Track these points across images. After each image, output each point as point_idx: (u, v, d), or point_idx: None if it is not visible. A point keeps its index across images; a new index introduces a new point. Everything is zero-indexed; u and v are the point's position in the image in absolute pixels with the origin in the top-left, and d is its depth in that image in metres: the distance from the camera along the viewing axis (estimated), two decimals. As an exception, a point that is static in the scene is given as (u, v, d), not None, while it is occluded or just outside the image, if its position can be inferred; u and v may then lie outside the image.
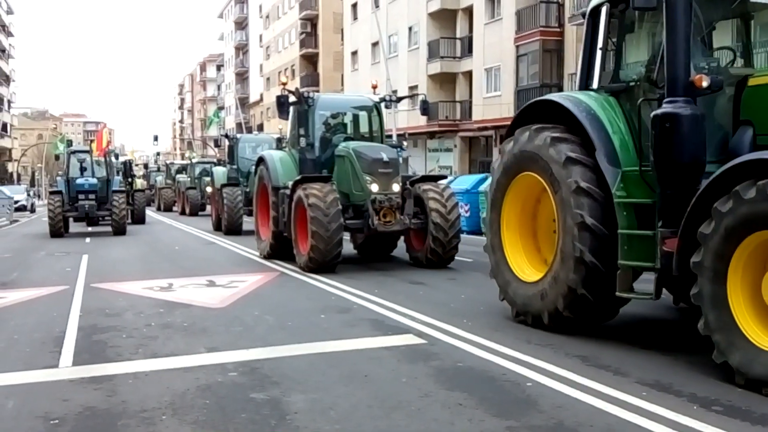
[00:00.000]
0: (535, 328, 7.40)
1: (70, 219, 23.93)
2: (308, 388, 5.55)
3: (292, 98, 13.60)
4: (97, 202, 22.97)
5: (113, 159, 27.40)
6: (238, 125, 68.53)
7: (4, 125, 66.59)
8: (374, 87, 15.33)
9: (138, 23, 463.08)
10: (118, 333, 7.72)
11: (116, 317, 8.65)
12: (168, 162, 53.11)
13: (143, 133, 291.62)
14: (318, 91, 19.95)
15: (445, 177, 14.34)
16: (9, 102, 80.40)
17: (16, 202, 39.05)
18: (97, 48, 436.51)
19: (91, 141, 24.99)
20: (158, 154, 68.55)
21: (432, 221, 12.38)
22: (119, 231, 22.37)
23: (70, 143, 33.62)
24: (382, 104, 14.17)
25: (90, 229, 25.51)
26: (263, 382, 5.74)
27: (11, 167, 69.63)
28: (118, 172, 26.84)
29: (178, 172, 41.41)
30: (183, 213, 34.86)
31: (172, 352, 6.84)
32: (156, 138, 70.92)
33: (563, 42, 28.73)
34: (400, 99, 14.99)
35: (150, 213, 37.01)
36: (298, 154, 13.49)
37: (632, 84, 7.04)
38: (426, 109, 15.05)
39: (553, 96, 7.55)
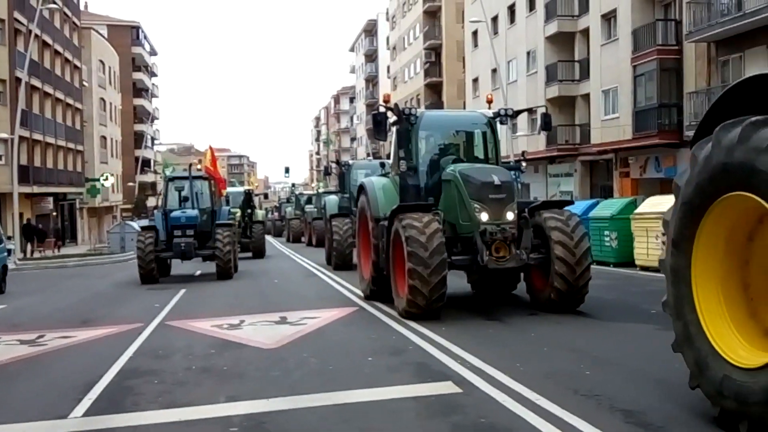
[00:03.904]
0: None
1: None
2: (301, 451, 4.90)
3: (392, 116, 11.86)
4: (197, 238, 18.60)
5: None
6: (368, 155, 69.64)
7: (146, 161, 70.70)
8: (489, 101, 13.18)
9: (278, 58, 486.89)
10: (151, 378, 7.42)
11: (163, 359, 8.40)
12: (297, 193, 53.84)
13: (282, 165, 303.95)
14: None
15: (571, 202, 12.00)
16: (152, 139, 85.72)
17: (146, 235, 40.88)
18: (240, 85, 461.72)
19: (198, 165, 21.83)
20: (293, 185, 70.34)
21: (555, 255, 10.31)
22: (224, 274, 18.38)
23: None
24: (497, 120, 12.19)
25: (207, 262, 21.53)
26: (257, 442, 5.15)
27: (153, 201, 73.94)
28: (227, 201, 24.79)
29: (307, 202, 40.56)
30: (310, 243, 33.84)
31: (190, 401, 6.40)
32: (287, 170, 73.52)
33: (682, 60, 26.91)
34: (517, 113, 12.88)
35: (277, 244, 37.64)
36: (400, 180, 11.74)
37: None
38: (548, 123, 12.62)
39: None
